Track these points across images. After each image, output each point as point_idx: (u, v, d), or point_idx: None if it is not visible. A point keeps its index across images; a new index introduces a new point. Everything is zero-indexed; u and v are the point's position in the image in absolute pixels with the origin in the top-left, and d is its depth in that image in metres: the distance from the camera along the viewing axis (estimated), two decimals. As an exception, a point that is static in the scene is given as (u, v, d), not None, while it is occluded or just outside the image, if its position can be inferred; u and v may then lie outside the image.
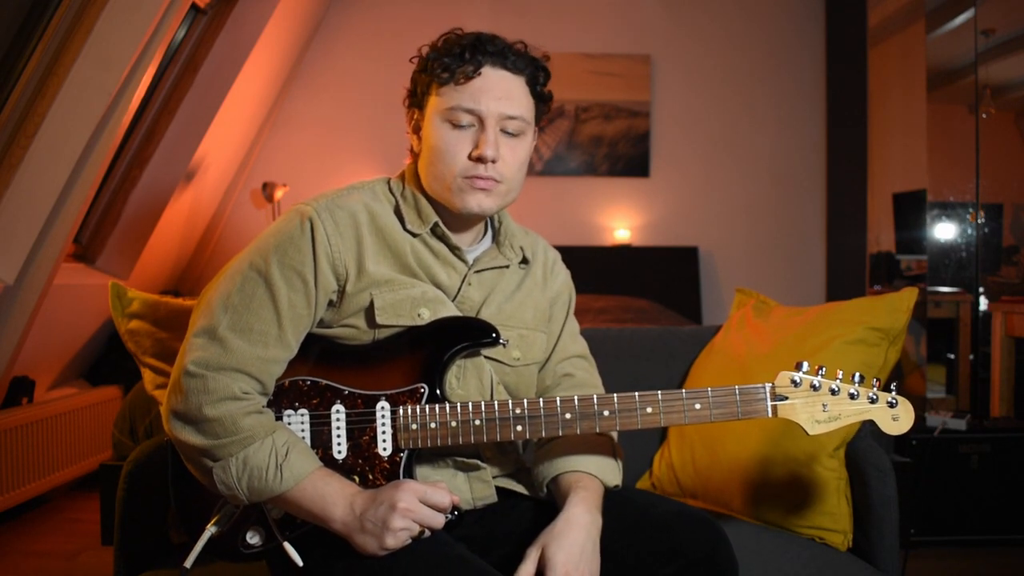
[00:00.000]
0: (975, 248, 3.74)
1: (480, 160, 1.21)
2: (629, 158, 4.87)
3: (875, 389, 1.19)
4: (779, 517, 1.57)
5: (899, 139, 4.39)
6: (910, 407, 1.20)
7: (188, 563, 1.18)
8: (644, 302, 4.17)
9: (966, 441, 2.73)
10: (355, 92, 4.75)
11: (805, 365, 1.19)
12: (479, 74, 1.22)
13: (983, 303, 3.69)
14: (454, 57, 1.22)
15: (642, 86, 4.85)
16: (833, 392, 1.18)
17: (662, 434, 1.82)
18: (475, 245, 1.33)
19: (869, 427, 1.65)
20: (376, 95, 4.71)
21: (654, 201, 4.91)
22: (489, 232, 1.36)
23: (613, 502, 1.26)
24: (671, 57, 4.90)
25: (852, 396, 1.18)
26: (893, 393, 1.20)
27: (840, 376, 1.19)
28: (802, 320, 1.68)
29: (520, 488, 1.32)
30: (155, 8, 2.56)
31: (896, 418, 1.19)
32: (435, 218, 1.26)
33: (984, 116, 3.74)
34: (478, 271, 1.30)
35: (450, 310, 1.25)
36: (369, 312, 1.22)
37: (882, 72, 4.45)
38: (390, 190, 1.31)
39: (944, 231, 3.87)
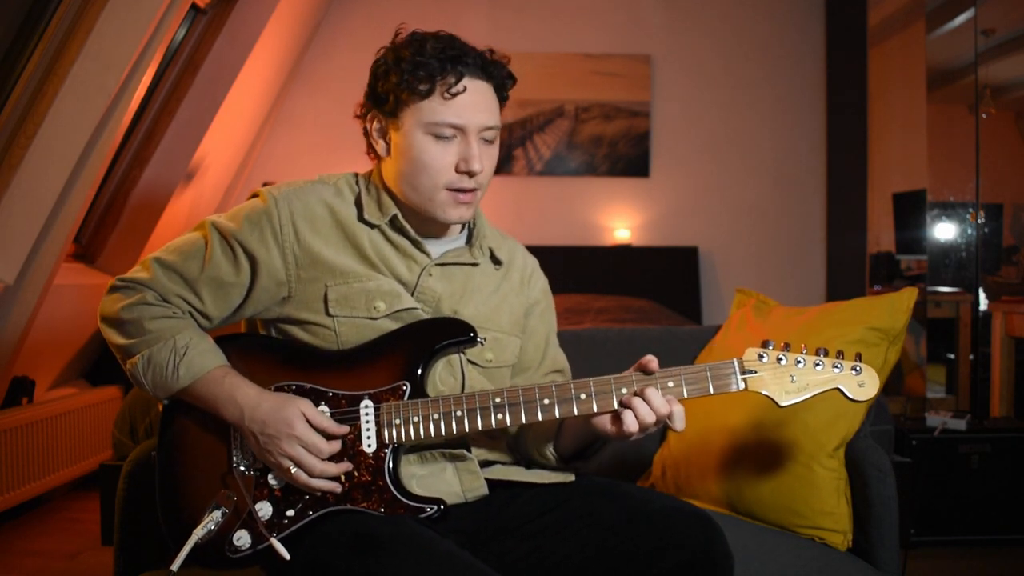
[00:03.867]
0: (975, 248, 3.74)
1: (468, 173, 1.25)
2: (629, 158, 4.87)
3: (839, 359, 1.23)
4: (779, 517, 1.57)
5: (899, 139, 4.40)
6: (874, 373, 1.23)
7: (175, 567, 1.19)
8: (644, 302, 4.17)
9: (966, 441, 2.72)
10: (355, 92, 4.67)
11: (771, 343, 1.23)
12: (463, 88, 1.23)
13: (983, 303, 3.69)
14: (432, 67, 1.23)
15: (642, 86, 4.85)
16: (798, 363, 1.22)
17: (662, 435, 1.82)
18: (443, 239, 1.35)
19: (869, 427, 1.65)
20: (376, 95, 4.70)
21: (654, 201, 4.91)
22: (465, 231, 1.39)
23: (610, 496, 1.27)
24: (671, 57, 4.90)
25: (817, 366, 1.23)
26: (857, 361, 1.23)
27: (804, 349, 1.24)
28: (802, 320, 1.68)
29: (514, 477, 1.33)
30: (155, 8, 2.56)
31: (862, 384, 1.23)
32: (394, 211, 1.29)
33: (984, 116, 3.74)
34: (441, 264, 1.32)
35: (407, 302, 1.28)
36: (325, 303, 1.27)
37: (882, 72, 4.46)
38: (356, 183, 1.35)
39: (944, 231, 3.87)
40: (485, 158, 1.27)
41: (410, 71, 1.23)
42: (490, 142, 1.28)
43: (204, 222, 1.31)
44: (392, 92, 1.25)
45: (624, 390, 1.20)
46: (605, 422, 1.22)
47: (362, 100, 1.33)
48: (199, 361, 1.23)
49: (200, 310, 1.28)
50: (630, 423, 1.18)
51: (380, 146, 1.30)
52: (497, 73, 1.28)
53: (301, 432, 1.18)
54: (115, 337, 1.27)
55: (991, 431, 2.75)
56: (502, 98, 1.31)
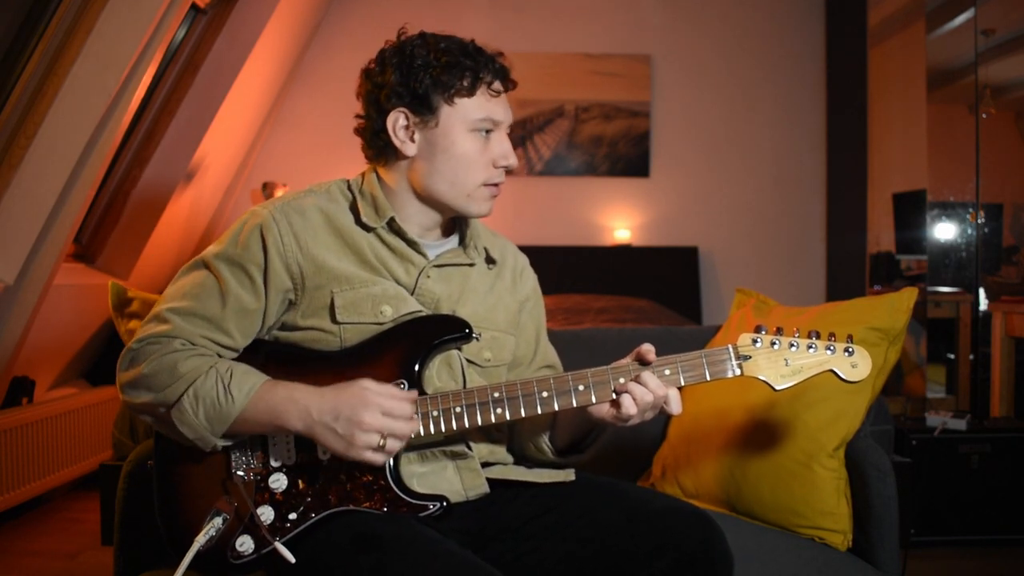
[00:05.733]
0: (975, 248, 3.74)
1: (507, 168, 1.29)
2: (629, 158, 4.87)
3: (832, 341, 1.25)
4: (779, 517, 1.57)
5: (899, 139, 4.39)
6: (867, 354, 1.25)
7: (177, 575, 1.18)
8: (644, 302, 4.17)
9: (966, 441, 2.72)
10: (355, 92, 4.75)
11: (764, 328, 1.24)
12: (503, 87, 1.29)
13: (983, 303, 3.69)
14: (475, 66, 1.26)
15: (642, 86, 4.85)
16: (792, 347, 1.23)
17: (662, 434, 1.82)
18: (438, 241, 1.36)
19: (869, 427, 1.65)
20: (376, 95, 4.70)
21: (654, 201, 4.91)
22: (456, 232, 1.39)
23: (610, 496, 1.27)
24: (671, 57, 4.90)
25: (810, 349, 1.24)
26: (848, 343, 1.24)
27: (797, 333, 1.25)
28: (802, 320, 1.68)
29: (514, 476, 1.33)
30: (155, 8, 2.56)
31: (855, 365, 1.24)
32: (391, 213, 1.29)
33: (984, 116, 3.74)
34: (438, 266, 1.32)
35: (412, 306, 1.28)
36: (332, 310, 1.25)
37: (882, 72, 4.45)
38: (348, 188, 1.34)
39: (944, 231, 3.87)
40: None
41: (458, 70, 1.25)
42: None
43: (201, 261, 1.27)
44: (431, 90, 1.25)
45: (621, 380, 1.21)
46: (603, 407, 1.23)
47: (375, 100, 1.29)
48: (247, 379, 1.18)
49: (228, 346, 1.24)
50: (628, 405, 1.19)
51: (406, 145, 1.28)
52: (509, 75, 1.32)
53: (376, 399, 1.14)
54: (144, 397, 1.18)
55: (991, 431, 2.75)
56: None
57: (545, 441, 1.35)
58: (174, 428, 1.18)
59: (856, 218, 4.63)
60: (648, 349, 1.22)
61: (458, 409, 1.21)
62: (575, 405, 1.22)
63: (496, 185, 1.31)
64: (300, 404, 1.15)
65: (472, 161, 1.27)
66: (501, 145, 1.29)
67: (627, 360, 1.23)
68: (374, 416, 1.13)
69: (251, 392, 1.16)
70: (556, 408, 1.22)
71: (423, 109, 1.26)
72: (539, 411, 1.22)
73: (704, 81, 4.92)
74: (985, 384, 3.56)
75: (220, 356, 1.23)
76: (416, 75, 1.25)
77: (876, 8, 4.42)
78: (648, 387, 1.19)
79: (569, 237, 4.83)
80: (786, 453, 1.56)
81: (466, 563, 1.10)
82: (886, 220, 4.36)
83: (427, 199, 1.31)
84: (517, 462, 1.39)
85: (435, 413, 1.21)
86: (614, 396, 1.21)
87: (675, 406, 1.21)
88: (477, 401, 1.21)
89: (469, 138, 1.27)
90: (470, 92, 1.26)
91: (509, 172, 1.33)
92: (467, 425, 1.21)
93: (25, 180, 2.47)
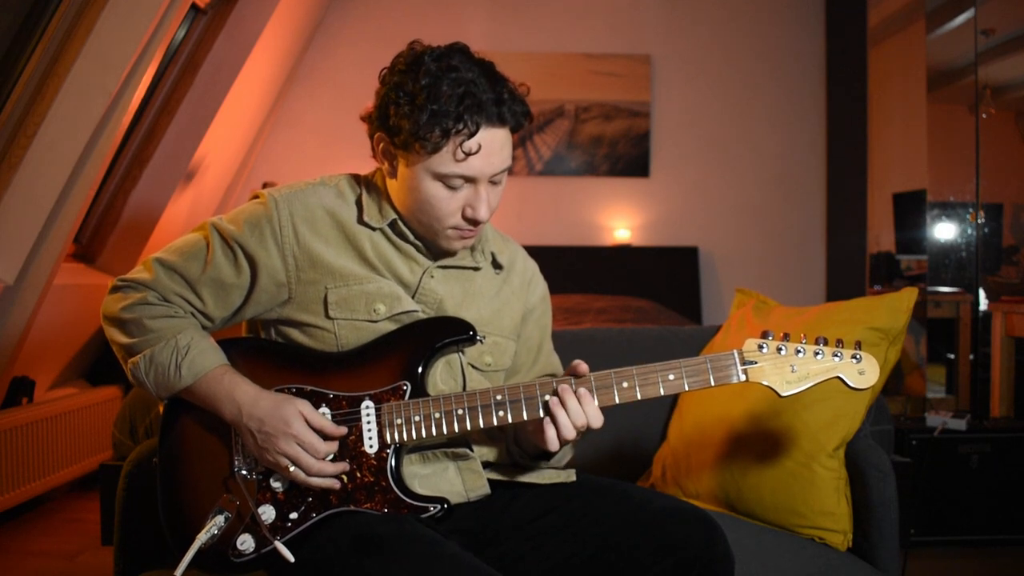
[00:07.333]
0: (975, 248, 3.74)
1: (474, 222, 1.24)
2: (629, 158, 4.87)
3: (839, 348, 1.23)
4: (779, 517, 1.57)
5: (899, 139, 4.40)
6: (874, 361, 1.22)
7: (178, 572, 1.19)
8: (644, 302, 4.17)
9: (966, 441, 2.72)
10: (355, 92, 4.74)
11: (771, 334, 1.22)
12: (477, 147, 1.17)
13: (983, 303, 3.69)
14: (446, 122, 1.15)
15: (642, 86, 4.85)
16: (798, 353, 1.21)
17: (662, 435, 1.82)
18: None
19: (869, 427, 1.65)
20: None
21: (654, 201, 4.91)
22: None
23: (611, 497, 1.27)
24: (671, 57, 4.90)
25: (817, 355, 1.22)
26: (856, 350, 1.22)
27: (804, 339, 1.23)
28: (802, 320, 1.68)
29: (515, 477, 1.33)
30: (155, 8, 2.56)
31: (862, 372, 1.22)
32: (393, 215, 1.29)
33: (984, 116, 3.74)
34: (442, 267, 1.32)
35: (407, 305, 1.28)
36: (325, 306, 1.27)
37: (882, 72, 4.45)
38: (358, 184, 1.34)
39: (944, 231, 3.87)
40: (493, 199, 1.25)
41: (426, 123, 1.15)
42: (497, 183, 1.25)
43: (205, 223, 1.31)
44: (403, 132, 1.18)
45: (625, 384, 1.21)
46: (536, 432, 1.24)
47: (370, 108, 1.26)
48: (200, 360, 1.23)
49: (201, 310, 1.28)
50: (551, 439, 1.21)
51: (385, 166, 1.27)
52: (513, 117, 1.21)
53: (298, 431, 1.19)
54: (117, 336, 1.27)
55: (991, 431, 2.75)
56: (516, 132, 1.25)
57: (512, 444, 1.35)
58: (129, 373, 1.27)
59: (856, 218, 4.64)
60: (578, 363, 1.23)
61: (460, 411, 1.21)
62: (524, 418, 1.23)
63: (471, 230, 1.25)
64: (236, 402, 1.21)
65: (435, 207, 1.22)
66: (473, 197, 1.22)
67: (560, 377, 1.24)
68: (288, 443, 1.19)
69: (198, 375, 1.23)
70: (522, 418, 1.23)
71: (395, 142, 1.21)
72: (541, 414, 1.22)
73: (704, 81, 4.92)
74: (985, 384, 3.56)
75: (194, 317, 1.29)
76: (394, 109, 1.19)
77: (876, 8, 4.42)
78: (570, 414, 1.20)
79: (569, 237, 4.83)
80: (786, 453, 1.57)
81: (467, 564, 1.10)
82: (886, 220, 4.36)
83: (407, 221, 1.29)
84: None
85: (437, 415, 1.21)
86: (616, 400, 1.21)
87: (596, 421, 1.21)
88: (479, 404, 1.22)
89: (433, 186, 1.21)
90: (434, 149, 1.17)
91: (479, 223, 1.24)
92: (469, 428, 1.22)
93: (25, 180, 2.47)
